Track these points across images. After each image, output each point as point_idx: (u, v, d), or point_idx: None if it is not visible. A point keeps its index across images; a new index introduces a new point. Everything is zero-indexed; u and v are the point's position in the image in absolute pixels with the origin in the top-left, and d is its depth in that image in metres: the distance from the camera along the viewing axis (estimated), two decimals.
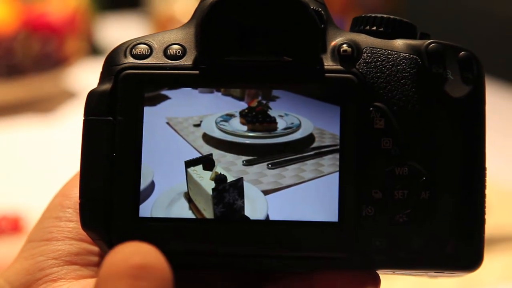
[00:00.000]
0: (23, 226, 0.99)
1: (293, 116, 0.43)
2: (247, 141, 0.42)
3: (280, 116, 0.43)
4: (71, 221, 0.44)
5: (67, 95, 1.47)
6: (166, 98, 0.43)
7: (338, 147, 0.42)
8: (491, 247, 0.91)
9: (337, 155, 0.42)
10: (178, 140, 0.42)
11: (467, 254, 0.42)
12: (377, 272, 0.42)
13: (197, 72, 0.42)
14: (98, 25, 1.77)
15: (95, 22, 1.75)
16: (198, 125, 0.43)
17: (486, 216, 0.43)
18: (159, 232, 0.41)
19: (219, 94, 0.43)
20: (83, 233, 0.43)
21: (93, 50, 1.68)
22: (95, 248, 0.43)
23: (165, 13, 1.64)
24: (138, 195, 0.42)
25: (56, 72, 1.46)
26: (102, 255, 0.43)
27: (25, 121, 1.37)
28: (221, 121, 0.43)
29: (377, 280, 0.42)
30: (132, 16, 1.96)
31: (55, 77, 1.46)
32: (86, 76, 1.50)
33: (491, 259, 0.89)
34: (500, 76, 1.54)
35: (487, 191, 0.43)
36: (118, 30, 1.83)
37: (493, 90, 1.51)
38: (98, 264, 0.43)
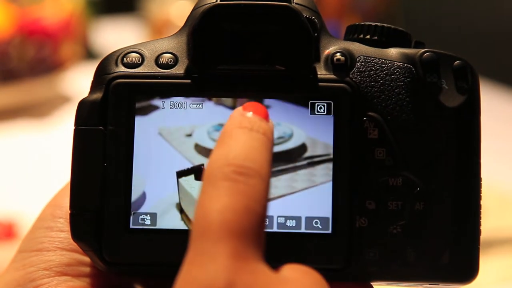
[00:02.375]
0: (16, 232, 0.99)
1: (285, 126, 0.42)
2: None
3: None
4: (62, 231, 0.43)
5: (62, 100, 1.47)
6: (157, 107, 0.42)
7: (331, 156, 0.41)
8: (488, 249, 0.91)
9: (330, 165, 0.41)
10: (169, 150, 0.42)
11: (462, 265, 0.42)
12: (371, 283, 0.42)
13: (189, 81, 0.42)
14: (93, 30, 1.76)
15: (90, 27, 1.74)
16: (189, 135, 0.42)
17: (483, 219, 0.42)
18: (151, 243, 0.41)
19: (211, 103, 0.42)
20: (74, 244, 0.42)
21: (89, 54, 1.67)
22: (87, 259, 0.43)
23: (160, 17, 1.64)
24: (129, 206, 0.41)
25: (51, 76, 1.45)
26: (93, 266, 0.43)
27: (19, 126, 1.36)
28: (213, 131, 0.42)
29: None
30: (127, 20, 1.95)
31: (50, 82, 1.46)
32: (81, 80, 1.49)
33: (488, 262, 0.89)
34: (498, 79, 1.54)
35: (485, 194, 0.42)
36: (113, 35, 1.82)
37: (491, 92, 1.51)
38: (89, 275, 0.43)
